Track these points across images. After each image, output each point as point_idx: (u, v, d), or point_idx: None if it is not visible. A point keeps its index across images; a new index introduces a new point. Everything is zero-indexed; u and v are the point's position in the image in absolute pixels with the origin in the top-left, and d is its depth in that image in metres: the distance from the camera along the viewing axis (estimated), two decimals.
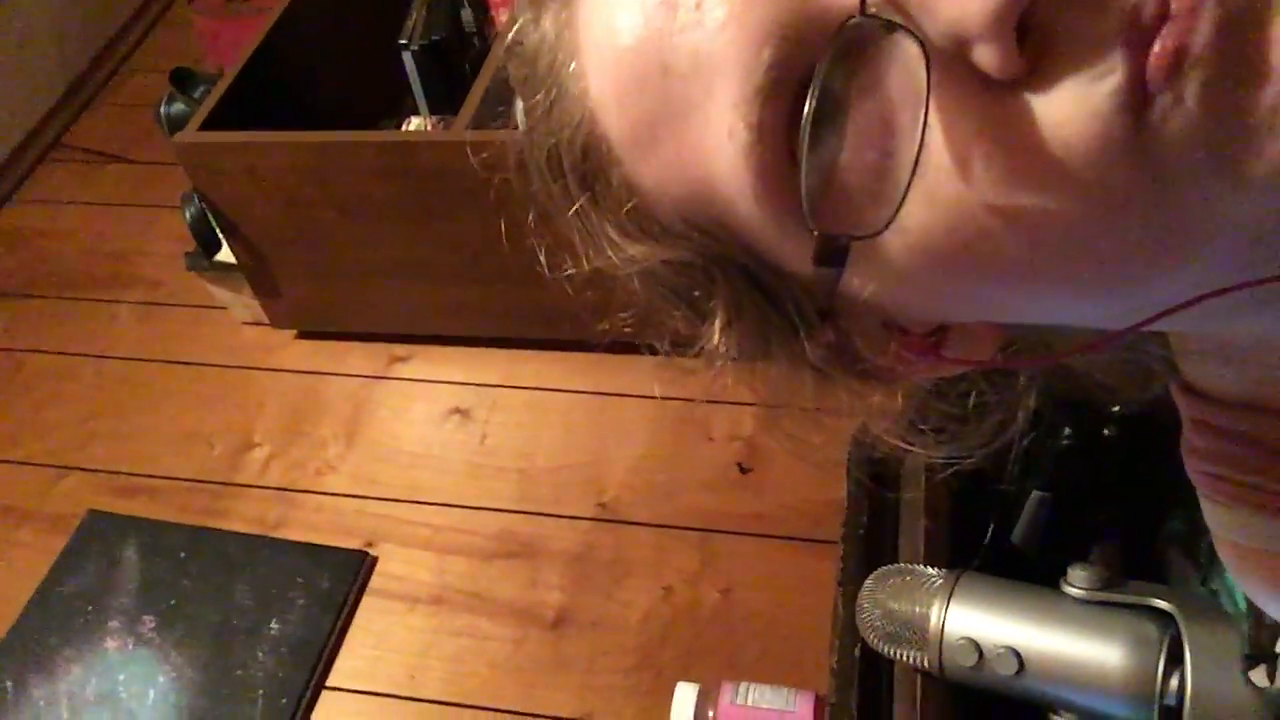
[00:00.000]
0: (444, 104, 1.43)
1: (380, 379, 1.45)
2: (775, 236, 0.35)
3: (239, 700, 1.15)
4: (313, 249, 1.36)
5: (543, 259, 0.43)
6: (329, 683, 1.17)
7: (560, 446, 1.34)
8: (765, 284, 0.38)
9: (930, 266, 0.32)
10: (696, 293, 0.39)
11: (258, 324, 1.52)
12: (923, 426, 0.47)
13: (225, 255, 1.43)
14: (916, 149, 0.29)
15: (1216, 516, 0.46)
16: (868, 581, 0.78)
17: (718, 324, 0.39)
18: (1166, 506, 0.79)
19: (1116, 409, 0.78)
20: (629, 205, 0.37)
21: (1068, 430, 0.81)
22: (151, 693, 1.17)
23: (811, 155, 0.31)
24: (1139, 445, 0.78)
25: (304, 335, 1.51)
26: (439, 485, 1.32)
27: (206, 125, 1.29)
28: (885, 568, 0.79)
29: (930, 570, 0.76)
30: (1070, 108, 0.28)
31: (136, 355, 1.54)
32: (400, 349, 1.47)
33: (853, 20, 0.29)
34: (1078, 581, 0.70)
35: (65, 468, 1.41)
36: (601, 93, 0.36)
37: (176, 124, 1.48)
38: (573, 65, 0.37)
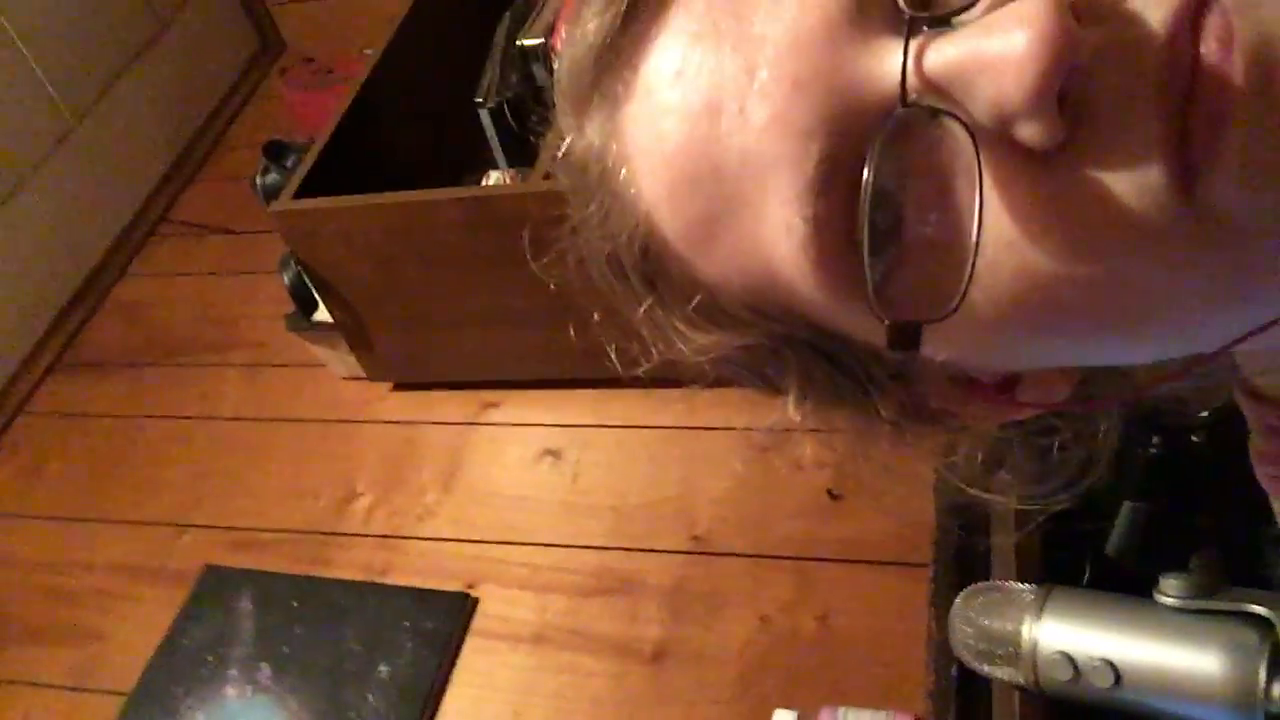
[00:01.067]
0: (520, 157, 1.48)
1: (473, 425, 1.49)
2: (841, 315, 0.35)
3: None
4: (403, 303, 1.41)
5: (613, 355, 0.44)
6: None
7: (651, 482, 1.36)
8: (833, 354, 0.38)
9: (1000, 332, 0.33)
10: (768, 370, 0.40)
11: (355, 379, 1.58)
12: (1004, 471, 0.47)
13: (322, 315, 1.49)
14: (976, 230, 0.30)
15: None
16: (958, 600, 0.78)
17: (791, 397, 0.40)
18: (1264, 511, 0.78)
19: (1205, 414, 0.77)
20: (695, 301, 0.38)
21: (1155, 439, 0.80)
22: None
23: (872, 248, 0.31)
24: (1229, 450, 0.77)
25: (399, 387, 1.57)
26: (535, 526, 1.35)
27: (299, 193, 1.35)
28: (976, 585, 0.79)
29: (1021, 586, 0.76)
30: (1119, 179, 0.29)
31: (243, 415, 1.61)
32: (491, 395, 1.51)
33: (898, 113, 0.30)
34: (1171, 590, 0.69)
35: (183, 525, 1.48)
36: (655, 196, 0.36)
37: (271, 194, 1.55)
38: (623, 172, 0.37)
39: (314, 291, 1.45)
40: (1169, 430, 0.81)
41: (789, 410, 0.41)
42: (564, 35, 0.40)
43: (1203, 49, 0.27)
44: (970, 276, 0.30)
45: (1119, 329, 0.32)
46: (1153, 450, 0.82)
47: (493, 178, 1.47)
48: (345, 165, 1.42)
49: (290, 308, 1.54)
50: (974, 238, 0.30)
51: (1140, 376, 0.43)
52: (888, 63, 0.31)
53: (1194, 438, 0.80)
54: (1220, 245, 0.29)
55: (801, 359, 0.39)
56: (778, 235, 0.33)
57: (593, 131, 0.38)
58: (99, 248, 1.92)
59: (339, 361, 1.57)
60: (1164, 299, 0.31)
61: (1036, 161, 0.29)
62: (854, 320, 0.35)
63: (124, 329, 1.84)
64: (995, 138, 0.30)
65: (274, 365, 1.67)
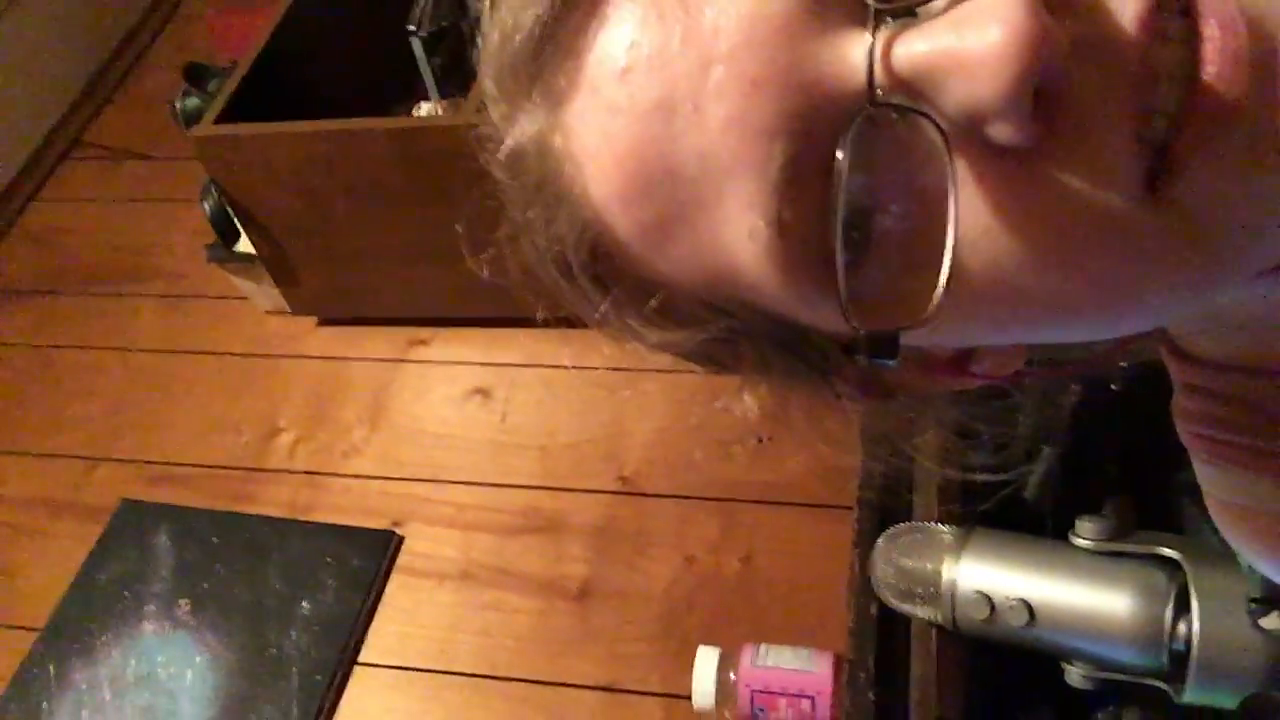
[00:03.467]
0: (454, 88, 1.45)
1: (401, 362, 1.47)
2: (803, 311, 0.34)
3: (274, 678, 1.18)
4: (330, 236, 1.38)
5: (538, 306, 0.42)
6: (361, 659, 1.20)
7: (580, 423, 1.35)
8: (790, 341, 0.37)
9: (969, 323, 0.33)
10: (723, 357, 0.39)
11: (280, 313, 1.55)
12: (961, 442, 0.47)
13: (245, 246, 1.45)
14: (951, 230, 0.29)
15: (1206, 476, 0.47)
16: (880, 540, 0.79)
17: (746, 383, 0.39)
18: (1177, 458, 0.80)
19: (1122, 363, 0.79)
20: (651, 303, 0.36)
21: (1074, 387, 0.81)
22: (189, 673, 1.20)
23: (846, 258, 0.30)
24: (1146, 399, 0.79)
25: (325, 322, 1.54)
26: (462, 464, 1.34)
27: (221, 118, 1.31)
28: (898, 526, 0.80)
29: (941, 527, 0.78)
30: (1092, 176, 0.28)
31: (162, 347, 1.57)
32: (420, 332, 1.49)
33: (866, 110, 0.29)
34: (1086, 533, 0.71)
35: (97, 459, 1.44)
36: (605, 198, 0.34)
37: (192, 118, 1.50)
38: (568, 172, 0.35)
39: (236, 222, 1.41)
40: (1088, 379, 0.83)
41: (743, 398, 0.40)
42: (491, 9, 0.37)
43: (1171, 47, 0.27)
44: (947, 278, 0.29)
45: (1086, 317, 0.32)
46: (1072, 398, 0.84)
47: (424, 109, 1.44)
48: (270, 91, 1.37)
49: (211, 238, 1.49)
50: (949, 238, 0.29)
51: (1089, 347, 0.44)
52: (852, 57, 0.29)
53: (1112, 386, 0.82)
54: (1190, 240, 0.29)
55: (758, 348, 0.37)
56: (739, 239, 0.32)
57: (530, 125, 0.36)
58: (8, 171, 1.84)
59: (262, 295, 1.53)
60: (1133, 291, 0.31)
61: (1008, 158, 0.29)
62: (817, 315, 0.34)
63: (35, 256, 1.77)
64: (966, 134, 0.29)
65: (194, 297, 1.63)
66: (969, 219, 0.29)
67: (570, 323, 0.41)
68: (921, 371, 0.39)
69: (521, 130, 0.36)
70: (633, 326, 0.38)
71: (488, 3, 0.37)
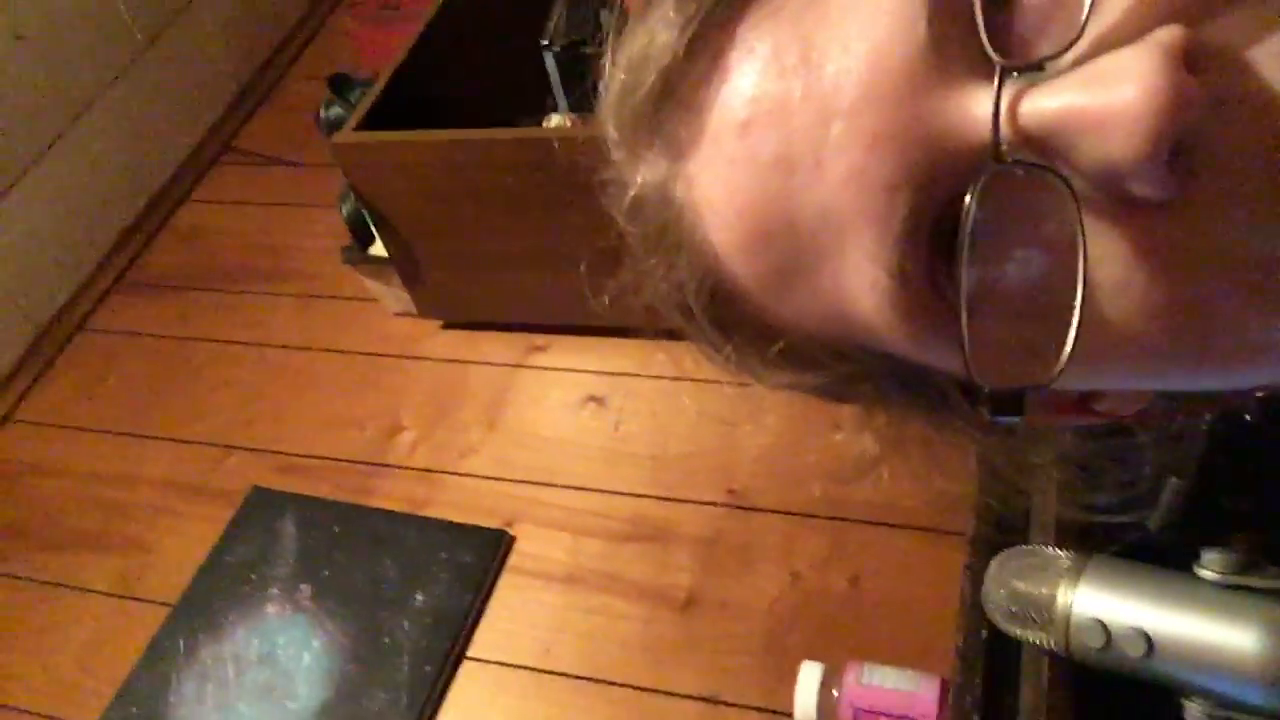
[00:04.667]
0: (584, 101, 1.48)
1: (519, 367, 1.50)
2: (925, 356, 0.34)
3: (386, 666, 1.21)
4: (457, 241, 1.42)
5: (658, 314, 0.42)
6: (469, 654, 1.22)
7: (691, 434, 1.36)
8: (909, 379, 0.38)
9: (1093, 374, 0.32)
10: (843, 393, 0.39)
11: (407, 315, 1.60)
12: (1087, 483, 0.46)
13: (378, 250, 1.51)
14: (1080, 288, 0.28)
15: None
16: (994, 562, 0.78)
17: (866, 416, 0.40)
18: None
19: (1258, 393, 0.76)
20: (772, 349, 0.37)
21: (1206, 415, 0.79)
22: (306, 656, 1.25)
23: (972, 316, 0.30)
24: None
25: (449, 326, 1.58)
26: (574, 469, 1.37)
27: (361, 127, 1.36)
28: (1013, 548, 0.78)
29: (1059, 551, 0.76)
30: (1236, 234, 0.28)
31: (295, 344, 1.64)
32: (538, 339, 1.52)
33: (992, 168, 0.28)
34: (1211, 565, 0.68)
35: (231, 447, 1.52)
36: (725, 246, 0.35)
37: (334, 127, 1.56)
38: (689, 219, 0.36)
39: (370, 226, 1.47)
40: (1220, 407, 0.80)
41: (862, 437, 0.41)
42: (614, 53, 0.38)
43: None
44: (1076, 336, 0.29)
45: (1218, 369, 0.31)
46: (1201, 426, 0.81)
47: (554, 120, 1.48)
48: (408, 102, 1.42)
49: (347, 241, 1.56)
50: (1079, 293, 0.28)
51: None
52: (975, 112, 0.29)
53: (1245, 416, 0.79)
54: None
55: (878, 386, 0.38)
56: (860, 289, 0.32)
57: (651, 174, 0.37)
58: (163, 172, 1.95)
59: (391, 297, 1.59)
60: (1271, 350, 0.30)
61: (1141, 214, 0.28)
62: (939, 359, 0.34)
63: (183, 254, 1.87)
64: (1098, 190, 0.28)
65: (327, 297, 1.69)
66: (1100, 273, 0.29)
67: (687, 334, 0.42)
68: (1043, 409, 0.39)
69: (643, 178, 0.37)
70: (754, 368, 0.38)
71: (609, 51, 0.38)
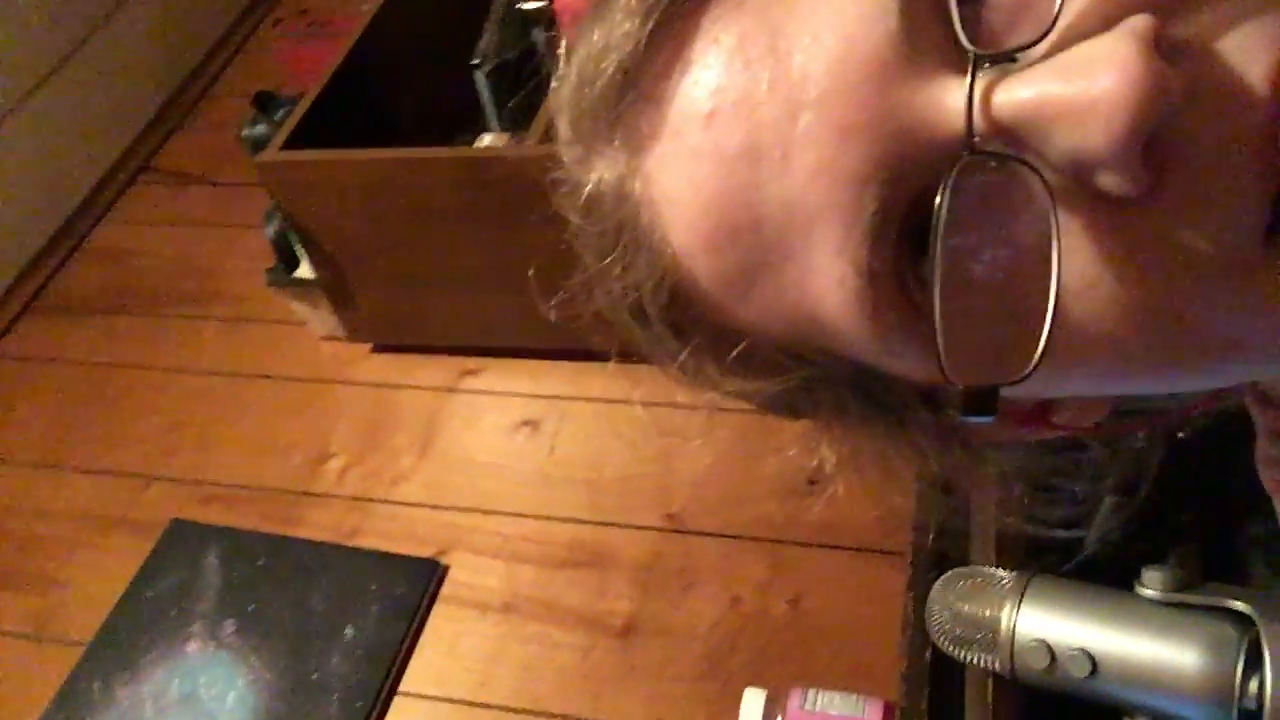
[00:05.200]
0: (517, 120, 1.46)
1: (452, 391, 1.47)
2: (890, 361, 0.34)
3: (315, 703, 1.17)
4: (387, 263, 1.39)
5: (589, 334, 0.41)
6: (402, 688, 1.19)
7: (628, 457, 1.35)
8: (869, 388, 0.37)
9: (1064, 373, 0.31)
10: (798, 404, 0.38)
11: (335, 339, 1.56)
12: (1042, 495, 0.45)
13: (304, 271, 1.47)
14: (1054, 283, 0.28)
15: None
16: (937, 584, 0.77)
17: (821, 431, 0.39)
18: (1247, 510, 0.77)
19: (1195, 410, 0.76)
20: (731, 353, 0.36)
21: (1140, 435, 0.79)
22: (231, 695, 1.20)
23: (943, 313, 0.29)
24: (1216, 448, 0.77)
25: (379, 349, 1.55)
26: (509, 495, 1.34)
27: (287, 145, 1.33)
28: (955, 570, 0.78)
29: (1001, 572, 0.75)
30: (1208, 230, 0.27)
31: (219, 369, 1.59)
32: (471, 362, 1.49)
33: (964, 159, 0.28)
34: (1152, 583, 0.68)
35: (151, 477, 1.46)
36: (686, 244, 0.34)
37: (259, 145, 1.52)
38: (647, 218, 0.34)
39: (296, 247, 1.43)
40: (1160, 428, 0.80)
41: (819, 446, 0.39)
42: (568, 52, 0.37)
43: None
44: (1050, 332, 0.28)
45: (1188, 371, 0.31)
46: (1137, 444, 0.81)
47: (486, 140, 1.45)
48: (336, 120, 1.39)
49: (272, 262, 1.52)
50: (1053, 290, 0.28)
51: (1177, 397, 0.42)
52: (947, 104, 0.28)
53: (1180, 434, 0.80)
54: None
55: (837, 396, 0.37)
56: (826, 287, 0.31)
57: (608, 170, 0.35)
58: (79, 191, 1.89)
59: (319, 320, 1.55)
60: (1243, 346, 0.29)
61: (1114, 207, 0.28)
62: (904, 364, 0.33)
63: (101, 275, 1.81)
64: (1070, 183, 0.28)
65: (253, 320, 1.65)
66: (1072, 269, 0.28)
67: (626, 357, 0.41)
68: (1002, 422, 0.38)
69: (599, 175, 0.36)
70: (710, 375, 0.37)
71: (563, 46, 0.37)
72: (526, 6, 1.46)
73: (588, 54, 0.35)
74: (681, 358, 0.37)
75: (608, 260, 0.36)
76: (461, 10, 1.55)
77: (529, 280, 0.46)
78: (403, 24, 1.56)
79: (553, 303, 0.43)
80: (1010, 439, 0.40)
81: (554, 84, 0.38)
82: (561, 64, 0.37)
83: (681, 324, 0.36)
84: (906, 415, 0.37)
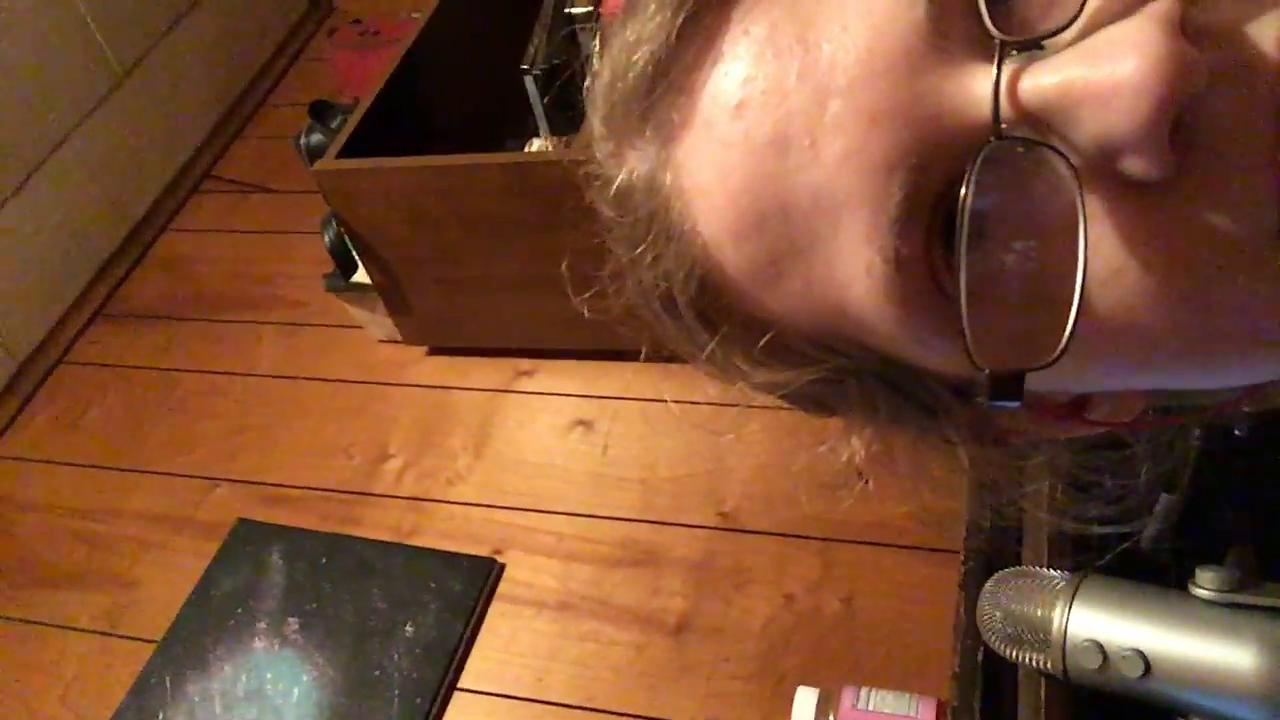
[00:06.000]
0: (565, 124, 1.48)
1: (506, 392, 1.49)
2: (918, 350, 0.34)
3: (377, 699, 1.20)
4: (441, 267, 1.42)
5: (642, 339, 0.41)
6: (460, 684, 1.21)
7: (680, 457, 1.36)
8: (900, 382, 0.37)
9: (1092, 362, 0.31)
10: (828, 398, 0.38)
11: (391, 341, 1.59)
12: (1066, 490, 0.45)
13: (361, 276, 1.50)
14: (1081, 268, 0.28)
15: None
16: (989, 583, 0.77)
17: (853, 426, 0.39)
18: None
19: (1247, 409, 0.76)
20: (760, 342, 0.36)
21: (1196, 431, 0.79)
22: (296, 691, 1.23)
23: (970, 299, 0.29)
24: (1273, 445, 0.76)
25: (435, 351, 1.58)
26: (563, 495, 1.36)
27: (343, 154, 1.36)
28: (1007, 570, 0.78)
29: (1053, 572, 0.75)
30: (1230, 212, 0.27)
31: (280, 373, 1.63)
32: (525, 363, 1.51)
33: (991, 145, 0.28)
34: (1206, 583, 0.68)
35: (216, 479, 1.50)
36: (716, 233, 0.34)
37: (315, 154, 1.56)
38: (678, 208, 0.35)
39: (353, 252, 1.46)
40: (1211, 423, 0.80)
41: (850, 440, 0.40)
42: (602, 49, 0.37)
43: None
44: (1076, 317, 0.28)
45: (1216, 361, 0.31)
46: (1193, 444, 0.81)
47: (535, 144, 1.47)
48: (390, 127, 1.42)
49: (329, 268, 1.55)
50: (1079, 277, 0.28)
51: (1220, 393, 0.41)
52: (975, 91, 0.29)
53: (1236, 432, 0.79)
54: None
55: (866, 389, 0.37)
56: (854, 275, 0.31)
57: (639, 162, 0.36)
58: (143, 202, 1.94)
59: (375, 324, 1.58)
60: (1270, 332, 0.29)
61: (1139, 192, 0.28)
62: (932, 354, 0.33)
63: (165, 283, 1.86)
64: (1097, 168, 0.28)
65: (311, 325, 1.68)
66: (1098, 255, 0.28)
67: (673, 358, 0.41)
68: (1035, 417, 0.38)
69: (630, 167, 0.36)
70: (739, 366, 0.37)
71: (597, 42, 0.38)
72: (575, 10, 1.48)
73: (620, 49, 0.35)
74: (710, 349, 0.37)
75: (638, 251, 0.37)
76: (511, 16, 1.57)
77: (565, 278, 0.46)
78: (453, 31, 1.58)
79: (584, 296, 0.43)
80: (1046, 435, 0.40)
81: (588, 81, 0.39)
82: (595, 61, 0.38)
83: (710, 314, 0.36)
84: (938, 409, 0.37)
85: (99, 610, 1.38)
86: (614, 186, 0.37)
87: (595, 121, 0.38)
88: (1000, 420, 0.38)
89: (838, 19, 0.30)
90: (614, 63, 0.36)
